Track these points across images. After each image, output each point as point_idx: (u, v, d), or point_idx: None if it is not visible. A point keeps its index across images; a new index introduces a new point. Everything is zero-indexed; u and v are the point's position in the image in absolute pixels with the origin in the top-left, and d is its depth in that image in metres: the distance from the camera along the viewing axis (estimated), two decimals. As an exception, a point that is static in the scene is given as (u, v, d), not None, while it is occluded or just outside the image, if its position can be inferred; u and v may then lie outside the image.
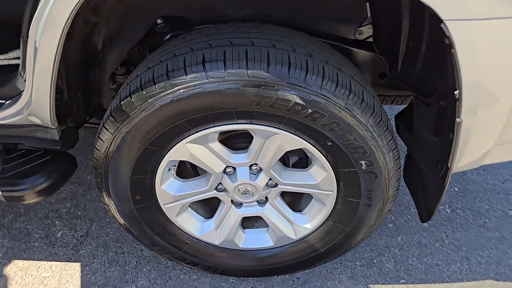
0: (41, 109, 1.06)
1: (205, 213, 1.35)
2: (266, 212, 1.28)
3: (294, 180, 1.19)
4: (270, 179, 1.19)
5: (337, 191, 1.17)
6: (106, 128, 1.08)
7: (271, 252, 1.34)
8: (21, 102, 1.07)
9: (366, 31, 1.25)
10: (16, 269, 1.47)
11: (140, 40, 1.26)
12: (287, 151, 1.12)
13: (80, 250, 1.53)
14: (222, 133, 1.12)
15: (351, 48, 1.26)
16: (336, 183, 1.14)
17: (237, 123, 1.04)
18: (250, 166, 1.17)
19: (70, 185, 1.81)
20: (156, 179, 1.16)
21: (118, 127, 1.06)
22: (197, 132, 1.06)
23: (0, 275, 1.44)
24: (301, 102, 0.98)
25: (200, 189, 1.22)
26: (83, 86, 1.23)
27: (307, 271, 1.47)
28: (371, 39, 1.26)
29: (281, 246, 1.33)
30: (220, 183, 1.21)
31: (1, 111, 1.09)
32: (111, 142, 1.08)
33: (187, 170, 1.31)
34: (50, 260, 1.49)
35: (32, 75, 1.00)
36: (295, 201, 1.35)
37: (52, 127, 1.11)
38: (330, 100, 0.98)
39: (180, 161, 1.19)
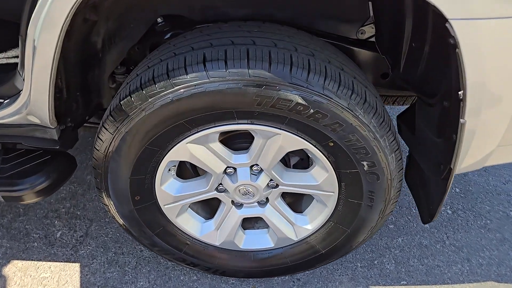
0: (40, 108, 1.05)
1: (205, 214, 1.34)
2: (267, 213, 1.27)
3: (295, 181, 1.18)
4: (271, 179, 1.19)
5: (338, 192, 1.16)
6: (105, 128, 1.07)
7: (271, 253, 1.34)
8: (20, 101, 1.06)
9: (369, 31, 1.24)
10: (15, 269, 1.46)
11: (140, 39, 1.25)
12: (288, 152, 1.12)
13: (79, 251, 1.53)
14: (222, 133, 1.11)
15: (353, 47, 1.25)
16: (337, 184, 1.14)
17: (238, 123, 1.03)
18: (251, 166, 1.16)
19: (69, 185, 1.80)
20: (156, 179, 1.15)
21: (117, 127, 1.05)
22: (197, 132, 1.05)
23: (-1, 275, 1.43)
24: (303, 102, 0.97)
25: (200, 190, 1.21)
26: (83, 85, 1.22)
27: (307, 272, 1.46)
28: (373, 39, 1.26)
29: (282, 247, 1.32)
30: (221, 184, 1.20)
31: (-1, 110, 1.09)
32: (111, 142, 1.07)
33: (187, 171, 1.31)
34: (49, 261, 1.49)
35: (30, 74, 0.99)
36: (296, 202, 1.34)
37: (51, 126, 1.11)
38: (332, 100, 0.97)
39: (180, 161, 1.18)
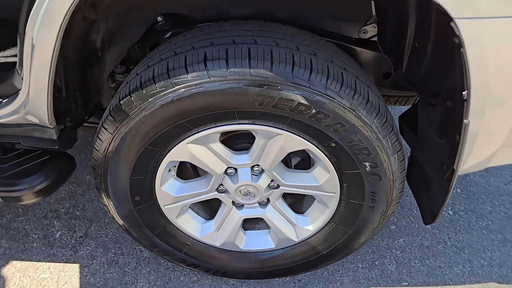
0: (38, 108, 1.04)
1: (206, 214, 1.33)
2: (268, 213, 1.26)
3: (296, 182, 1.17)
4: (272, 180, 1.18)
5: (340, 193, 1.15)
6: (105, 128, 1.06)
7: (272, 254, 1.33)
8: (18, 101, 1.05)
9: (371, 30, 1.23)
10: (14, 270, 1.45)
11: (140, 38, 1.24)
12: (290, 152, 1.10)
13: (79, 251, 1.52)
14: (223, 134, 1.10)
15: (355, 47, 1.24)
16: (339, 185, 1.13)
17: (239, 124, 1.02)
18: (252, 167, 1.15)
19: (68, 185, 1.79)
20: (156, 180, 1.14)
21: (117, 127, 1.04)
22: (198, 132, 1.04)
23: (-3, 276, 1.42)
24: (305, 102, 0.96)
25: (200, 190, 1.20)
26: (82, 85, 1.21)
27: (308, 273, 1.45)
28: (375, 38, 1.25)
29: (283, 248, 1.32)
30: (221, 184, 1.19)
31: (-2, 109, 1.07)
32: (110, 142, 1.06)
33: (188, 171, 1.30)
34: (49, 261, 1.48)
35: (29, 73, 0.98)
36: (297, 202, 1.33)
37: (50, 126, 1.10)
38: (334, 100, 0.96)
39: (181, 161, 1.17)
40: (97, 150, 1.10)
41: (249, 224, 1.36)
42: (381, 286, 1.43)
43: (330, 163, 1.08)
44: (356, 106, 0.98)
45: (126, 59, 1.29)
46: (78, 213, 1.67)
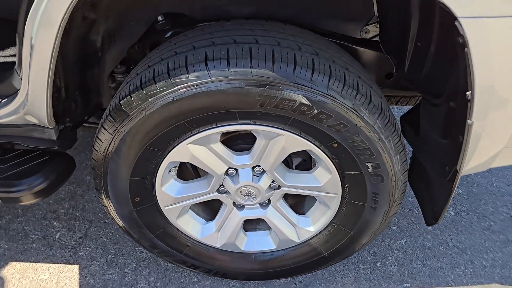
0: (37, 108, 1.03)
1: (206, 215, 1.33)
2: (269, 214, 1.25)
3: (297, 182, 1.17)
4: (273, 181, 1.17)
5: (341, 194, 1.14)
6: (105, 128, 1.05)
7: (273, 255, 1.32)
8: (17, 101, 1.04)
9: (373, 30, 1.22)
10: (13, 271, 1.44)
11: (140, 38, 1.23)
12: (291, 153, 1.10)
13: (78, 252, 1.51)
14: (224, 134, 1.09)
15: (357, 47, 1.23)
16: (341, 185, 1.12)
17: (240, 124, 1.02)
18: (253, 167, 1.14)
19: (68, 186, 1.78)
20: (156, 180, 1.13)
21: (117, 127, 1.03)
22: (198, 132, 1.03)
23: (-4, 277, 1.41)
24: (307, 103, 0.95)
25: (201, 191, 1.19)
26: (81, 85, 1.20)
27: (309, 274, 1.44)
28: (377, 38, 1.24)
29: (284, 249, 1.31)
30: (222, 185, 1.18)
31: (-3, 110, 1.07)
32: (110, 143, 1.06)
33: (188, 172, 1.29)
34: (48, 262, 1.47)
35: (28, 73, 0.97)
36: (298, 203, 1.32)
37: (49, 126, 1.09)
38: (337, 100, 0.95)
39: (181, 162, 1.16)
40: (97, 151, 1.09)
41: (250, 225, 1.35)
42: (383, 287, 1.43)
43: (332, 164, 1.07)
44: (359, 107, 0.97)
45: (126, 59, 1.28)
46: (77, 214, 1.66)
